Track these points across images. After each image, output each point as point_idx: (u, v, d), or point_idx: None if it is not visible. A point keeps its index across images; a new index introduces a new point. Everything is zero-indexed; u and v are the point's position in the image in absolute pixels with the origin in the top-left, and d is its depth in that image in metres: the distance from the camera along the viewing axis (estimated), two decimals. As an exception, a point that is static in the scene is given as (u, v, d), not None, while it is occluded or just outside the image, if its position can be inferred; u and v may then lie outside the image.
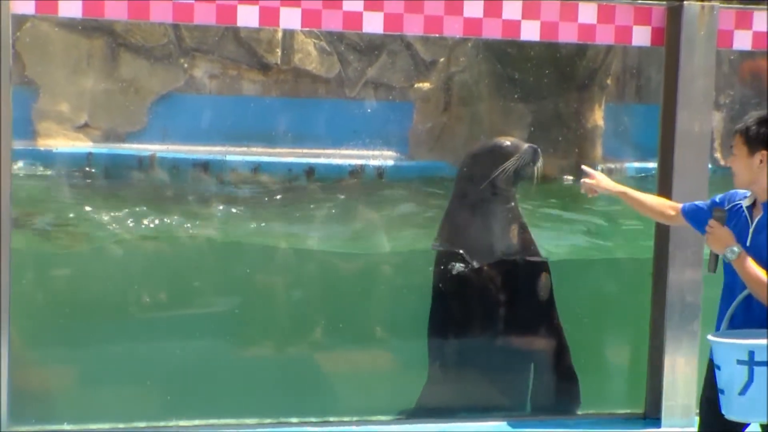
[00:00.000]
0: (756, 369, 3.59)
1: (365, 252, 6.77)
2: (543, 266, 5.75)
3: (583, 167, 4.56)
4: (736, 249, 3.75)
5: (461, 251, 5.67)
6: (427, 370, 5.82)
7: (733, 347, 3.67)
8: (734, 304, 3.89)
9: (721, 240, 3.81)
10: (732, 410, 3.69)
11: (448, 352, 5.82)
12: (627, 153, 9.27)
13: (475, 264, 5.66)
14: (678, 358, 5.11)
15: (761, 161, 3.82)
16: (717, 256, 3.91)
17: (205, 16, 4.55)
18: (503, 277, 5.72)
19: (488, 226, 5.66)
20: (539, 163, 5.56)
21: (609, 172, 9.02)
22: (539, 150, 5.55)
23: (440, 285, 5.77)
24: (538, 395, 5.79)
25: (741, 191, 4.00)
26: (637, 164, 9.16)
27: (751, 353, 3.60)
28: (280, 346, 6.45)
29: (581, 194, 4.63)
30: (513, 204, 5.73)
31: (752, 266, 3.72)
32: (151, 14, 4.45)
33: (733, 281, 3.96)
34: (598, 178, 4.50)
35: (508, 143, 5.63)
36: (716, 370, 3.74)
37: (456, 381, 5.76)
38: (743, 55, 9.92)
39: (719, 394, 3.74)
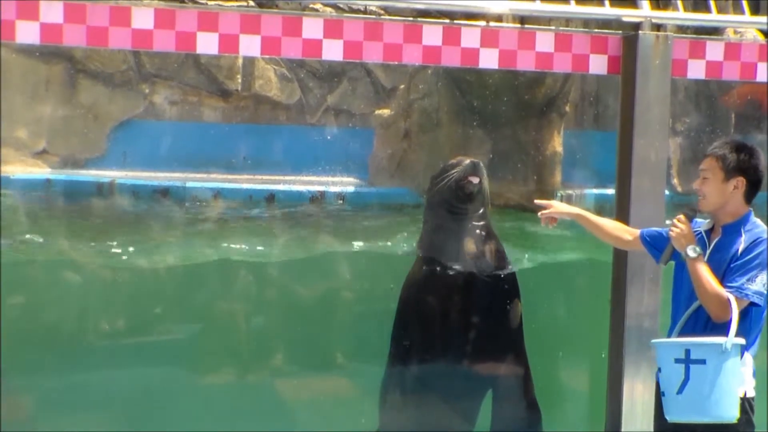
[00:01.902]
0: (692, 367, 3.68)
1: (325, 278, 6.75)
2: (515, 292, 5.78)
3: (536, 201, 4.62)
4: (698, 249, 3.86)
5: (433, 274, 5.68)
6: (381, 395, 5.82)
7: (670, 346, 3.77)
8: (686, 313, 3.99)
9: (685, 237, 3.91)
10: (672, 411, 3.77)
11: (408, 378, 5.81)
12: (586, 179, 9.36)
13: (445, 289, 5.68)
14: (637, 384, 5.14)
15: (735, 187, 3.94)
16: (672, 251, 4.01)
17: (164, 43, 4.53)
18: (473, 301, 5.74)
19: (457, 246, 5.68)
20: (483, 178, 5.62)
21: (568, 199, 9.12)
22: (480, 164, 5.61)
23: (408, 307, 5.78)
24: (499, 422, 5.79)
25: (699, 220, 4.08)
26: (596, 190, 9.26)
27: (688, 351, 3.70)
28: (241, 371, 6.42)
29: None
30: (483, 223, 5.75)
31: (707, 273, 3.83)
32: (110, 41, 4.44)
33: (679, 292, 4.06)
34: (555, 206, 4.56)
35: (454, 160, 5.73)
36: (659, 374, 3.82)
37: (415, 408, 5.76)
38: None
39: (662, 398, 3.81)
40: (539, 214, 4.58)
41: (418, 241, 5.90)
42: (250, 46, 4.72)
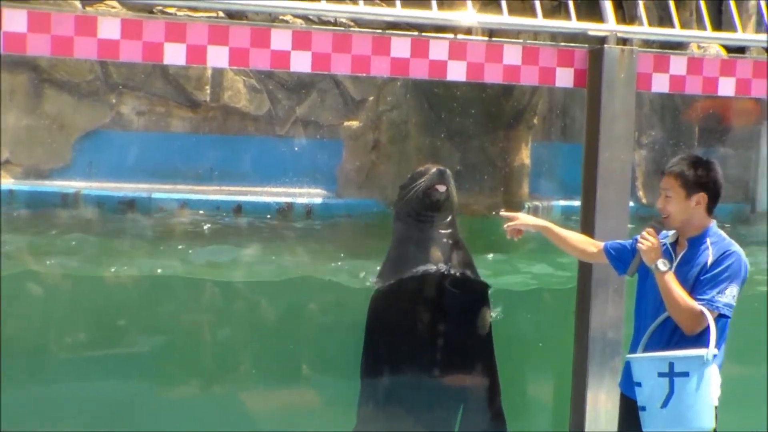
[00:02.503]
0: (677, 380, 3.71)
1: (292, 289, 6.73)
2: (485, 299, 5.80)
3: (502, 212, 4.65)
4: (667, 263, 3.90)
5: (402, 284, 5.68)
6: (357, 409, 5.81)
7: (653, 360, 3.80)
8: (653, 326, 4.02)
9: (654, 251, 3.94)
10: (655, 424, 3.80)
11: (382, 391, 5.80)
12: (553, 191, 9.42)
13: (413, 298, 5.68)
14: (600, 394, 5.20)
15: (698, 203, 3.99)
16: (639, 264, 4.05)
17: (131, 53, 4.52)
18: (442, 309, 5.75)
19: (427, 254, 5.69)
20: (450, 186, 5.64)
21: (535, 210, 9.17)
22: (446, 172, 5.64)
23: (377, 319, 5.78)
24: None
25: (664, 232, 4.13)
26: (563, 202, 9.32)
27: (672, 364, 3.73)
28: (206, 384, 6.37)
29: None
30: (451, 231, 5.77)
31: (677, 286, 3.87)
32: (75, 51, 4.41)
33: (643, 304, 4.09)
34: (521, 218, 4.59)
35: (422, 168, 5.75)
36: (636, 388, 3.84)
37: (390, 420, 5.75)
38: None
39: (640, 412, 3.84)
40: (505, 226, 4.60)
41: (388, 250, 5.91)
42: (218, 57, 4.71)
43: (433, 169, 5.68)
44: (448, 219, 5.76)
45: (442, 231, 5.72)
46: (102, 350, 6.21)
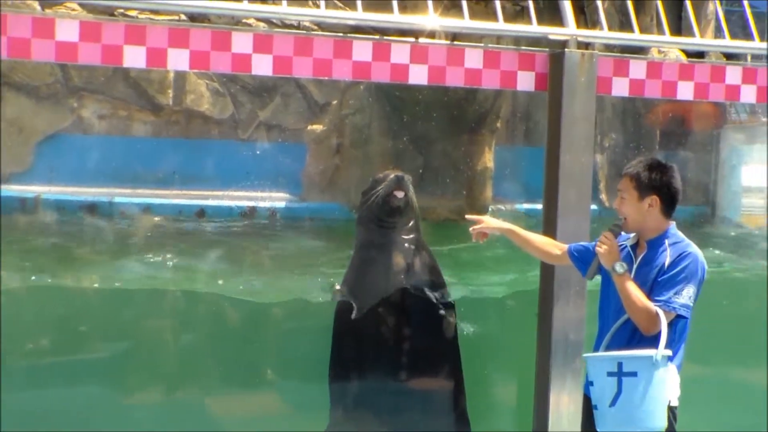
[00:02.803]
0: (625, 380, 3.76)
1: (257, 294, 6.70)
2: (450, 302, 5.81)
3: (467, 216, 4.66)
4: (624, 265, 3.93)
5: (366, 289, 5.67)
6: (327, 413, 5.80)
7: (603, 360, 3.84)
8: (614, 327, 4.06)
9: (612, 254, 3.99)
10: (605, 423, 3.84)
11: (350, 395, 5.79)
12: (517, 194, 9.47)
13: (378, 304, 5.68)
14: (563, 396, 5.22)
15: (650, 205, 4.02)
16: (598, 266, 4.09)
17: (89, 56, 4.47)
18: (406, 315, 5.75)
19: (390, 259, 5.69)
20: (409, 192, 5.66)
21: (499, 214, 9.21)
22: (404, 178, 5.65)
23: (342, 324, 5.77)
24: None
25: (625, 234, 4.16)
26: (526, 205, 9.37)
27: (620, 364, 3.77)
28: (170, 391, 6.32)
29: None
30: (413, 236, 5.78)
31: (634, 287, 3.91)
32: (33, 53, 4.36)
33: (606, 306, 4.13)
34: (486, 221, 4.60)
35: (381, 175, 5.76)
36: (590, 387, 3.88)
37: (359, 424, 5.74)
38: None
39: (594, 411, 3.87)
40: (470, 229, 4.62)
41: (351, 255, 5.90)
42: (178, 60, 4.67)
43: (392, 176, 5.70)
44: (410, 224, 5.77)
45: (405, 236, 5.74)
46: (62, 356, 6.14)
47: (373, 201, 5.63)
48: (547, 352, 5.26)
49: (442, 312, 5.73)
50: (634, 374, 3.75)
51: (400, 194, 5.63)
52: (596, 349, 4.16)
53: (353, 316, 5.67)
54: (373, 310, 5.67)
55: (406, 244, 5.73)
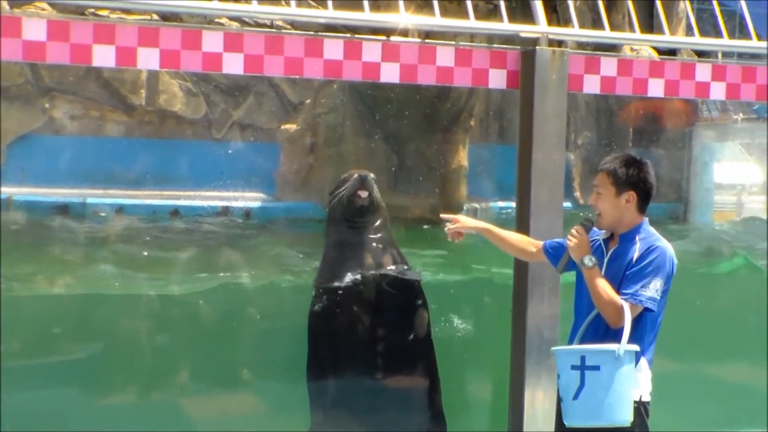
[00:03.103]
0: (587, 373, 3.79)
1: (231, 294, 6.67)
2: (421, 299, 5.82)
3: (442, 215, 4.66)
4: (593, 259, 3.96)
5: (338, 289, 5.68)
6: (308, 413, 5.79)
7: (567, 353, 3.87)
8: (587, 321, 4.08)
9: (582, 247, 4.02)
10: (569, 416, 3.87)
11: (328, 395, 5.80)
12: (491, 192, 9.50)
13: (350, 303, 5.68)
14: (537, 392, 5.24)
15: (627, 201, 4.05)
16: (568, 260, 4.11)
17: (58, 55, 4.44)
18: (380, 312, 5.76)
19: (359, 259, 5.70)
20: (373, 191, 5.67)
21: (474, 212, 9.23)
22: (368, 177, 5.67)
23: (316, 325, 5.77)
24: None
25: (597, 229, 4.19)
26: (501, 203, 9.39)
27: (583, 358, 3.80)
28: (145, 393, 6.29)
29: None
30: (381, 235, 5.79)
31: (602, 281, 3.94)
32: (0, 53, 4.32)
33: (580, 301, 4.15)
34: (461, 220, 4.61)
35: (346, 174, 5.77)
36: (558, 380, 3.91)
37: (338, 421, 5.75)
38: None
39: (560, 403, 3.90)
40: (446, 229, 4.62)
41: (323, 252, 5.91)
42: (148, 59, 4.66)
43: (355, 175, 5.72)
44: (378, 222, 5.79)
45: (373, 235, 5.76)
46: (36, 359, 6.09)
47: (339, 201, 5.66)
48: (522, 349, 5.28)
49: (414, 308, 5.74)
50: (596, 368, 3.77)
51: (363, 194, 5.66)
52: (570, 343, 4.19)
53: (325, 314, 5.67)
54: (346, 309, 5.68)
55: (374, 243, 5.75)
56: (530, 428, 5.29)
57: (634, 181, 4.07)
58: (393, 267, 5.76)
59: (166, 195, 8.95)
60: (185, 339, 6.47)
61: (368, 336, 5.76)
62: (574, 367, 3.82)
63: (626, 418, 3.80)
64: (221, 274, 7.05)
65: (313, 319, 5.76)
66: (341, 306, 5.66)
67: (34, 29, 4.36)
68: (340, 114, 8.88)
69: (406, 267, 5.86)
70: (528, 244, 4.61)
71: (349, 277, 5.66)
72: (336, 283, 5.68)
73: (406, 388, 5.86)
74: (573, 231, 4.09)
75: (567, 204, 9.33)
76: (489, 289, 6.74)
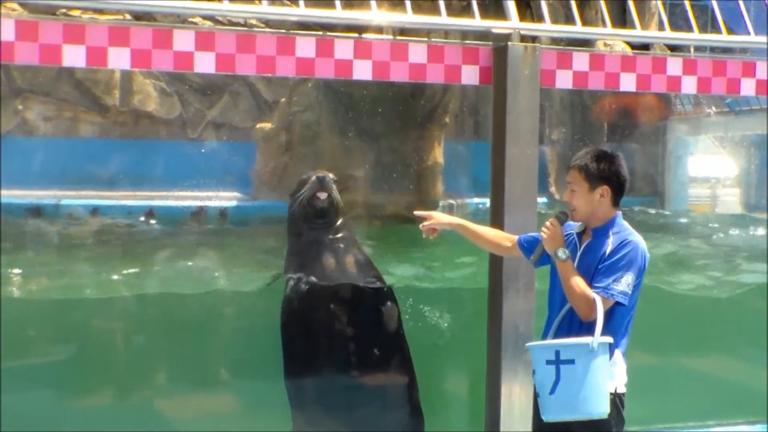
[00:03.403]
0: (562, 367, 3.79)
1: (208, 294, 6.66)
2: (388, 296, 5.82)
3: (416, 212, 4.66)
4: (567, 252, 3.97)
5: (304, 288, 5.68)
6: (289, 412, 5.79)
7: (542, 348, 3.88)
8: (560, 315, 4.10)
9: (555, 240, 4.03)
10: (546, 410, 3.88)
11: (305, 395, 5.79)
12: (467, 188, 9.52)
13: (317, 304, 5.68)
14: (514, 387, 5.25)
15: (601, 195, 4.06)
16: (542, 252, 4.13)
17: (27, 56, 4.41)
18: (347, 310, 5.75)
19: (322, 260, 5.70)
20: (332, 192, 5.68)
21: (450, 208, 9.25)
22: (326, 178, 5.67)
23: (288, 324, 5.76)
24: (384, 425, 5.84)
25: (571, 223, 4.20)
26: (477, 199, 9.41)
27: (557, 352, 3.81)
28: (121, 394, 6.26)
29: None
30: (342, 235, 5.79)
31: (574, 273, 3.95)
32: (-32, 54, 4.29)
33: (554, 294, 4.17)
34: (435, 217, 4.60)
35: (305, 176, 5.78)
36: (534, 376, 3.91)
37: (317, 420, 5.74)
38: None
39: (537, 399, 3.91)
40: (420, 225, 4.62)
41: (285, 259, 5.91)
42: (119, 58, 4.62)
43: (313, 177, 5.72)
44: (339, 222, 5.80)
45: (334, 235, 5.78)
46: (11, 362, 6.05)
47: (299, 204, 5.67)
48: (498, 345, 5.29)
49: (381, 306, 5.74)
50: (571, 362, 3.78)
51: (323, 195, 5.69)
52: (544, 337, 4.20)
53: (294, 312, 5.68)
54: (312, 308, 5.67)
55: (336, 244, 5.76)
56: (507, 423, 5.30)
57: (607, 175, 4.09)
58: (356, 268, 5.76)
59: (141, 195, 8.91)
60: (161, 339, 6.45)
61: (337, 334, 5.76)
62: (549, 362, 3.82)
63: (603, 410, 3.81)
64: (196, 271, 7.03)
65: (283, 320, 5.77)
66: (307, 307, 5.67)
67: (3, 29, 4.32)
68: (315, 112, 8.87)
69: (369, 267, 5.86)
70: (503, 238, 4.61)
71: (311, 279, 5.67)
72: (300, 286, 5.69)
73: (381, 383, 5.86)
74: (547, 223, 4.10)
75: (542, 199, 9.38)
76: (467, 283, 6.76)
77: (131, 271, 7.08)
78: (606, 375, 3.83)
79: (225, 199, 8.95)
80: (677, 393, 6.95)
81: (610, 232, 4.08)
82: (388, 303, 5.77)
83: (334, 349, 5.74)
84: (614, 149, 4.26)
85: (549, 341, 3.99)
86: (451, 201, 9.38)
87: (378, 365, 5.80)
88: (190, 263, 7.31)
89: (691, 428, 6.76)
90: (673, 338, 7.09)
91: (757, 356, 6.94)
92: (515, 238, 4.53)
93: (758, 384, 6.85)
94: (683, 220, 10.92)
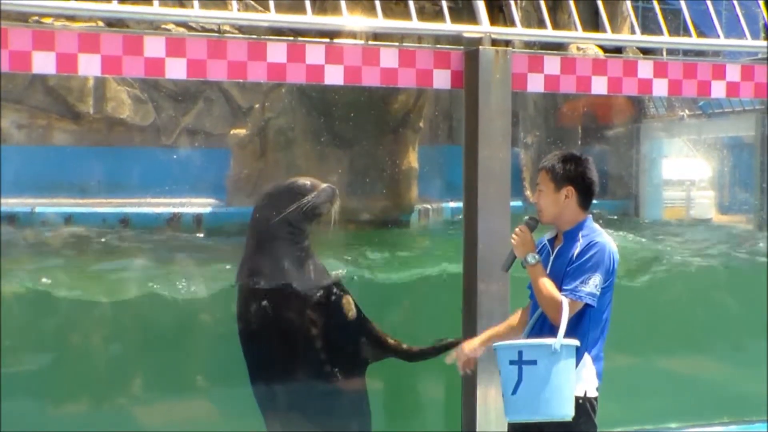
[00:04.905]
0: (525, 368, 3.81)
1: (183, 300, 6.63)
2: (339, 291, 5.81)
3: (447, 360, 4.52)
4: (536, 256, 4.00)
5: (260, 291, 5.66)
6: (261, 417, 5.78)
7: (506, 349, 3.90)
8: (533, 318, 4.13)
9: (525, 245, 4.07)
10: (509, 411, 3.91)
11: (276, 395, 5.79)
12: (442, 193, 9.54)
13: (273, 303, 5.66)
14: (490, 390, 5.29)
15: (567, 196, 4.10)
16: (514, 258, 4.16)
17: (-4, 62, 4.40)
18: (304, 314, 5.74)
19: (284, 264, 5.68)
20: (336, 205, 5.66)
21: (426, 213, 9.27)
22: (337, 191, 5.65)
23: (244, 329, 5.75)
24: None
25: (548, 236, 4.23)
26: (452, 204, 9.44)
27: (520, 353, 3.83)
28: (97, 401, 6.24)
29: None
30: (307, 243, 5.79)
31: (544, 278, 3.98)
32: (-64, 60, 4.27)
33: (532, 298, 4.19)
34: (465, 349, 4.44)
35: (306, 182, 5.74)
36: (500, 376, 3.93)
37: (289, 423, 5.74)
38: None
39: (503, 398, 3.93)
40: (460, 370, 4.46)
41: (245, 251, 5.87)
42: (89, 65, 4.64)
43: (324, 186, 5.68)
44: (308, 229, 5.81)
45: (303, 243, 5.75)
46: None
47: (299, 208, 5.60)
48: (472, 347, 5.30)
49: (339, 309, 5.73)
50: (533, 362, 3.80)
51: (328, 206, 5.65)
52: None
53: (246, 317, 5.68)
54: (269, 318, 5.66)
55: (297, 252, 5.73)
56: (483, 425, 5.33)
57: (572, 176, 4.12)
58: (314, 274, 5.76)
59: (115, 203, 8.87)
60: (138, 346, 6.42)
61: (293, 338, 5.76)
62: (512, 362, 3.85)
63: (565, 412, 3.83)
64: (171, 279, 7.01)
65: (240, 330, 5.76)
66: (263, 315, 5.65)
67: (-30, 37, 4.31)
68: (289, 118, 8.87)
69: (326, 274, 5.86)
70: (520, 312, 4.47)
71: (270, 285, 5.65)
72: (261, 281, 5.67)
73: (341, 387, 5.85)
74: (517, 230, 4.14)
75: (517, 203, 9.42)
76: (438, 287, 6.78)
77: (105, 277, 7.05)
78: (570, 378, 3.84)
79: (200, 205, 8.93)
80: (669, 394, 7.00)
81: (579, 235, 4.11)
82: (340, 304, 5.74)
83: (293, 352, 5.73)
84: (586, 152, 4.30)
85: (513, 341, 4.01)
86: (427, 206, 9.40)
87: (337, 366, 5.78)
88: (164, 269, 7.28)
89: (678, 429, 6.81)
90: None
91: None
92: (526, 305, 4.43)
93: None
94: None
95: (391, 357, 5.88)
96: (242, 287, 5.77)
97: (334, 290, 5.76)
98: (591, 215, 4.23)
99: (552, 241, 4.24)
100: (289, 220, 5.64)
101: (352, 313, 5.71)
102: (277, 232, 5.70)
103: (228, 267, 7.32)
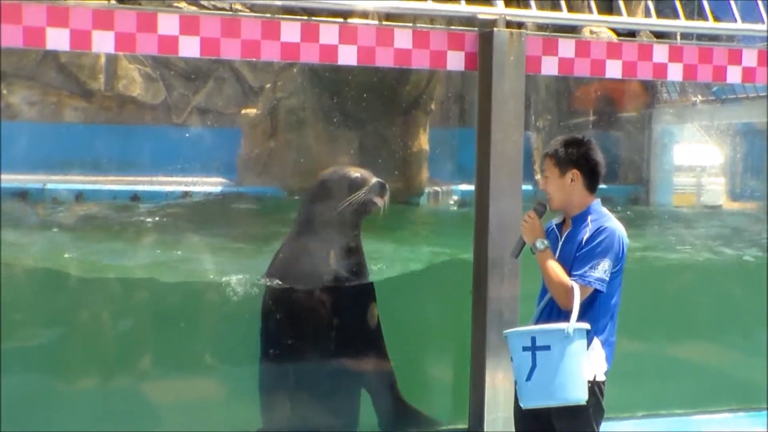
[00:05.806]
0: (538, 354, 3.79)
1: (193, 279, 6.64)
2: (372, 294, 5.80)
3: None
4: (545, 242, 3.98)
5: (298, 277, 5.64)
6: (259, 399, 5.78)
7: (519, 335, 3.88)
8: (542, 303, 4.11)
9: (534, 231, 4.05)
10: (524, 397, 3.89)
11: (282, 382, 5.78)
12: (452, 176, 9.52)
13: (310, 291, 5.65)
14: (498, 373, 5.25)
15: (572, 179, 4.06)
16: (523, 244, 4.14)
17: (11, 39, 4.38)
18: (337, 303, 5.72)
19: (330, 253, 5.65)
20: (386, 198, 5.62)
21: (436, 195, 9.25)
22: (387, 186, 5.60)
23: (272, 312, 5.74)
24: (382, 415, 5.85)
25: (556, 220, 4.21)
26: (462, 187, 9.42)
27: (533, 339, 3.81)
28: (105, 377, 6.25)
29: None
30: (357, 233, 5.75)
31: (553, 263, 3.96)
32: (-50, 36, 4.26)
33: (542, 285, 4.18)
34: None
35: (358, 175, 5.65)
36: (512, 363, 3.92)
37: (293, 408, 5.74)
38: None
39: (516, 385, 3.92)
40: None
41: (285, 239, 5.85)
42: (103, 42, 4.60)
43: (374, 180, 5.63)
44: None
45: (351, 234, 5.72)
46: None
47: (350, 204, 5.54)
48: (483, 331, 5.29)
49: (368, 303, 5.72)
50: (547, 348, 3.78)
51: (380, 201, 5.61)
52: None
53: (281, 308, 5.66)
54: (303, 296, 5.64)
55: (346, 243, 5.70)
56: (492, 409, 5.31)
57: (575, 159, 4.08)
58: (355, 269, 5.73)
59: (126, 180, 8.88)
60: (145, 322, 6.43)
61: (326, 328, 5.74)
62: (525, 349, 3.83)
63: (580, 396, 3.82)
64: (182, 257, 7.02)
65: (266, 305, 5.73)
66: (299, 293, 5.64)
67: (-15, 13, 4.30)
68: (301, 98, 8.85)
69: (365, 270, 5.83)
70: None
71: (311, 268, 5.62)
72: (296, 272, 5.65)
73: (362, 388, 5.84)
74: (525, 216, 4.11)
75: (528, 186, 9.38)
76: (450, 271, 6.76)
77: (116, 253, 7.06)
78: (583, 361, 3.83)
79: (211, 184, 8.93)
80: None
81: (588, 219, 4.07)
82: (373, 302, 5.73)
83: (319, 334, 5.72)
84: (598, 137, 4.27)
85: (525, 327, 3.99)
86: (437, 188, 9.38)
87: (360, 355, 5.78)
88: (175, 247, 7.30)
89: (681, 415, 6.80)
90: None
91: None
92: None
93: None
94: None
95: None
96: (279, 264, 5.74)
97: (368, 293, 5.75)
98: (599, 199, 4.20)
99: (560, 225, 4.21)
100: (341, 212, 5.59)
101: (374, 321, 5.72)
102: (328, 221, 5.63)
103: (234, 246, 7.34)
